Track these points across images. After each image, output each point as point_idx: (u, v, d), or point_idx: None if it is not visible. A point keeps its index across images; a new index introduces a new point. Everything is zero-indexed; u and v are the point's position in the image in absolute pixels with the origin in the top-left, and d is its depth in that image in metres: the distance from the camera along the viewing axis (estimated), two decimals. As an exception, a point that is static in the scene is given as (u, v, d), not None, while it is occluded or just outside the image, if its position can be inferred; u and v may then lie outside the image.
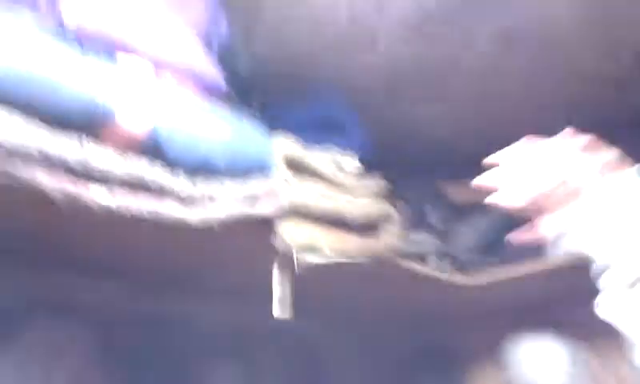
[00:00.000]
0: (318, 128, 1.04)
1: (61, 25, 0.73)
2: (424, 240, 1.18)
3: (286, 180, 0.85)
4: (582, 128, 0.74)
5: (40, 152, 0.64)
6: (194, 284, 1.06)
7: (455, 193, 1.26)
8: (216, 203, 0.77)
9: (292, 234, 0.83)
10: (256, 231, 0.82)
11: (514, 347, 1.23)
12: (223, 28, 0.93)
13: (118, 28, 0.77)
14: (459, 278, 1.19)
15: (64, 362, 0.90)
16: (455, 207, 1.26)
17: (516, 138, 0.77)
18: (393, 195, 1.02)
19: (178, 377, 1.05)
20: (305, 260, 0.83)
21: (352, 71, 1.13)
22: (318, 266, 0.84)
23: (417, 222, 1.19)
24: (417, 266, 1.07)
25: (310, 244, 0.84)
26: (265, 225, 0.82)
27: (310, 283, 0.82)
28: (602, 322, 0.66)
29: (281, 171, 0.86)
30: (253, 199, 0.80)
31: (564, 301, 1.20)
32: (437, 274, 1.13)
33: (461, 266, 1.22)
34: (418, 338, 1.45)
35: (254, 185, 0.82)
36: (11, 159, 0.62)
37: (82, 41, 0.74)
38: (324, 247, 0.86)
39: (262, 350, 1.16)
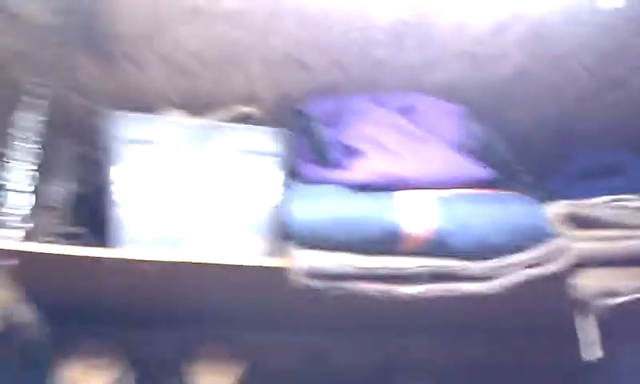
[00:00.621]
0: (598, 175, 1.13)
1: (355, 180, 1.03)
2: None
3: (566, 236, 0.97)
4: None
5: (359, 269, 0.92)
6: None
7: None
8: (503, 275, 0.94)
9: (584, 283, 0.94)
10: (548, 288, 0.94)
11: None
12: (474, 129, 1.13)
13: (394, 172, 1.03)
14: None
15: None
16: None
17: None
18: None
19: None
20: (603, 303, 0.92)
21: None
22: (617, 306, 0.91)
23: None
24: None
25: (605, 287, 0.93)
26: (555, 280, 0.94)
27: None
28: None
29: (560, 231, 0.98)
30: (538, 263, 0.94)
31: None
32: None
33: None
34: None
35: (536, 251, 0.96)
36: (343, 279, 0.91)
37: (372, 187, 1.01)
38: (619, 287, 0.93)
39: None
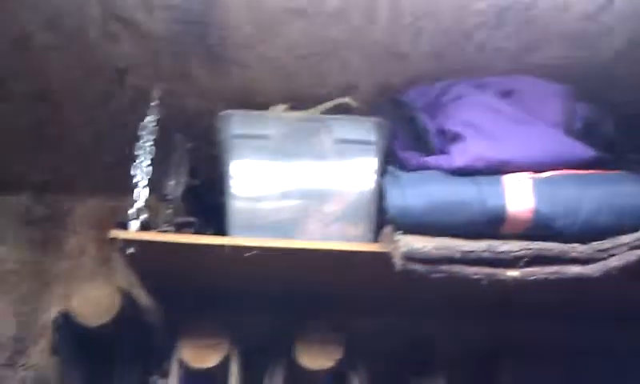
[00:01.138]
0: None
1: (454, 165, 1.04)
2: None
3: None
4: None
5: (461, 252, 0.93)
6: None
7: None
8: (609, 257, 0.92)
9: None
10: None
11: None
12: (580, 108, 1.10)
13: (493, 155, 1.03)
14: None
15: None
16: None
17: None
18: None
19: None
20: None
21: None
22: None
23: None
24: None
25: None
26: None
27: None
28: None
29: None
30: None
31: None
32: None
33: None
34: None
35: None
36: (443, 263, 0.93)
37: (470, 171, 1.03)
38: None
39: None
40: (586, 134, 1.08)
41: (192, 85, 1.21)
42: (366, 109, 1.19)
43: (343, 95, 1.20)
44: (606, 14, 1.07)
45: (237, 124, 1.10)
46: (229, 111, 1.11)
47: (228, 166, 1.07)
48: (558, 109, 1.09)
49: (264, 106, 1.18)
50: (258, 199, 1.06)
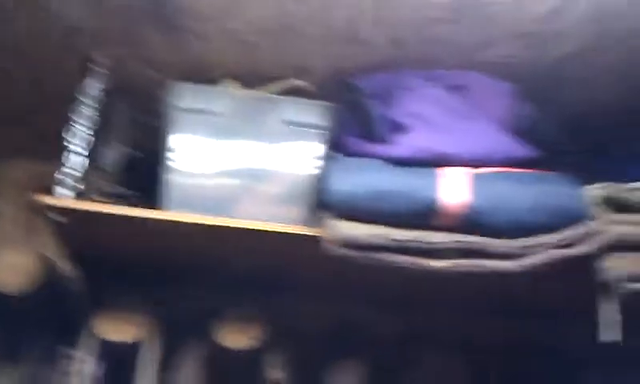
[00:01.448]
0: None
1: (396, 154, 1.04)
2: None
3: (601, 220, 0.95)
4: None
5: (393, 241, 0.94)
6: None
7: None
8: (534, 253, 0.94)
9: (613, 266, 0.92)
10: (576, 269, 0.94)
11: None
12: (524, 109, 1.11)
13: (436, 148, 1.04)
14: None
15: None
16: None
17: None
18: None
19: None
20: (628, 287, 0.91)
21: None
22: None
23: None
24: None
25: (634, 271, 0.91)
26: (583, 262, 0.94)
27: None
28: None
29: (596, 214, 0.96)
30: (568, 244, 0.94)
31: None
32: None
33: None
34: None
35: (568, 232, 0.95)
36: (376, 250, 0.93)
37: (412, 162, 1.03)
38: None
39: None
40: (527, 133, 1.09)
41: (144, 53, 1.19)
42: (320, 92, 1.19)
43: (299, 76, 1.20)
44: (559, 17, 1.08)
45: (184, 97, 1.09)
46: (177, 83, 1.10)
47: (170, 138, 1.06)
48: (503, 107, 1.11)
49: (219, 80, 1.17)
50: (196, 175, 1.06)
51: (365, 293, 1.20)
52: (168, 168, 1.05)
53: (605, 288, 0.93)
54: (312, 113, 1.12)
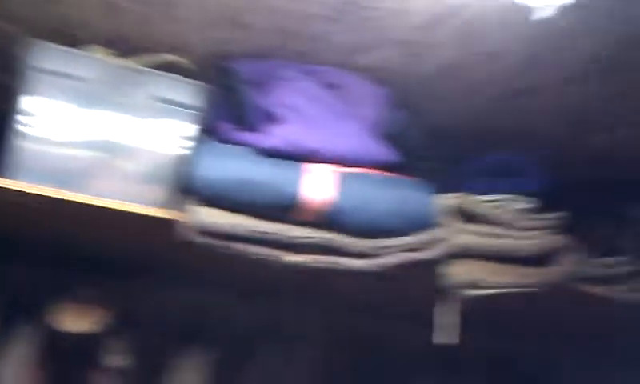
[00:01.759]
0: (494, 175, 1.18)
1: (266, 145, 1.04)
2: (614, 263, 1.18)
3: (450, 228, 1.01)
4: None
5: (253, 232, 0.93)
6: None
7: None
8: (385, 255, 0.97)
9: (455, 273, 0.98)
10: (421, 273, 0.99)
11: None
12: (394, 115, 1.15)
13: (305, 142, 1.05)
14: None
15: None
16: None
17: None
18: (578, 225, 1.08)
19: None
20: (467, 293, 0.97)
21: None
22: (480, 299, 0.96)
23: (608, 247, 1.20)
24: (602, 289, 1.10)
25: (472, 280, 0.98)
26: (429, 267, 0.99)
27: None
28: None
29: (446, 221, 1.02)
30: (417, 248, 0.99)
31: None
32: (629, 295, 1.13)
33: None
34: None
35: (418, 237, 1.01)
36: (233, 239, 0.92)
37: (281, 154, 1.03)
38: (487, 281, 0.98)
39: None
40: (394, 138, 1.13)
41: (4, 5, 1.09)
42: (197, 72, 1.14)
43: (176, 52, 1.14)
44: (435, 30, 1.11)
45: (45, 58, 1.01)
46: (38, 42, 1.01)
47: (24, 100, 0.98)
48: (374, 110, 1.14)
49: (85, 44, 1.09)
50: (49, 143, 0.98)
51: (219, 282, 1.19)
52: (18, 133, 0.97)
53: (444, 293, 0.99)
54: (184, 92, 1.08)
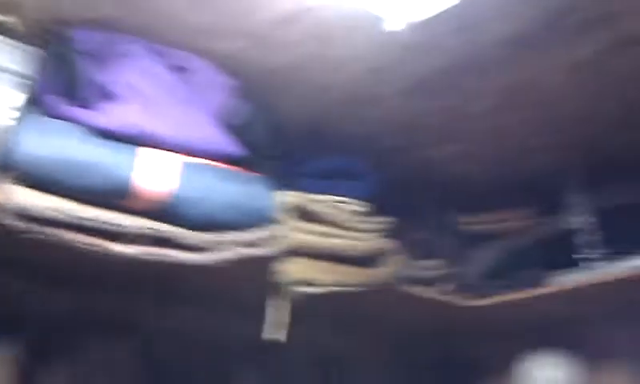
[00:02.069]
0: (332, 176, 1.22)
1: (101, 124, 0.97)
2: (432, 266, 1.29)
3: (286, 226, 1.02)
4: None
5: (76, 218, 0.87)
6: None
7: (467, 224, 1.36)
8: (221, 249, 0.96)
9: (289, 270, 1.00)
10: (256, 268, 1.00)
11: (522, 362, 1.36)
12: (240, 107, 1.13)
13: (145, 126, 0.99)
14: (464, 300, 1.32)
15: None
16: (467, 237, 1.35)
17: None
18: (403, 229, 1.16)
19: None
20: (299, 291, 0.99)
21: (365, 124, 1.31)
22: (312, 296, 0.99)
23: (427, 251, 1.31)
24: (420, 290, 1.20)
25: (305, 277, 1.00)
26: (264, 263, 1.00)
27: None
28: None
29: (283, 219, 1.03)
30: (253, 244, 0.99)
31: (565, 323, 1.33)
32: (439, 296, 1.26)
33: (469, 289, 1.33)
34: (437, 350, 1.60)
35: (255, 233, 1.01)
36: (53, 225, 0.85)
37: (117, 136, 0.97)
38: (319, 279, 1.01)
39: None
40: (239, 130, 1.11)
41: None
42: (29, 36, 1.04)
43: (6, 12, 1.03)
44: (292, 26, 1.10)
45: None
46: None
47: None
48: (221, 100, 1.11)
49: None
50: None
51: (32, 267, 1.09)
52: None
53: (277, 289, 0.99)
54: (11, 56, 0.98)
